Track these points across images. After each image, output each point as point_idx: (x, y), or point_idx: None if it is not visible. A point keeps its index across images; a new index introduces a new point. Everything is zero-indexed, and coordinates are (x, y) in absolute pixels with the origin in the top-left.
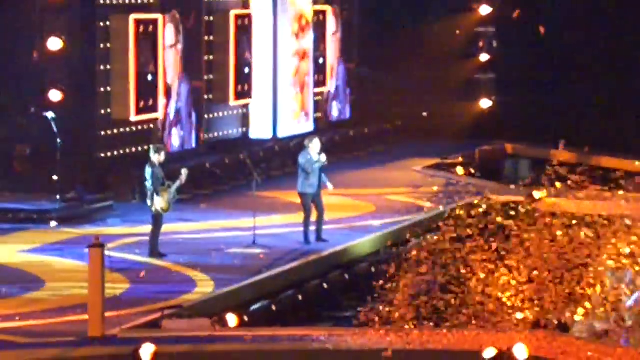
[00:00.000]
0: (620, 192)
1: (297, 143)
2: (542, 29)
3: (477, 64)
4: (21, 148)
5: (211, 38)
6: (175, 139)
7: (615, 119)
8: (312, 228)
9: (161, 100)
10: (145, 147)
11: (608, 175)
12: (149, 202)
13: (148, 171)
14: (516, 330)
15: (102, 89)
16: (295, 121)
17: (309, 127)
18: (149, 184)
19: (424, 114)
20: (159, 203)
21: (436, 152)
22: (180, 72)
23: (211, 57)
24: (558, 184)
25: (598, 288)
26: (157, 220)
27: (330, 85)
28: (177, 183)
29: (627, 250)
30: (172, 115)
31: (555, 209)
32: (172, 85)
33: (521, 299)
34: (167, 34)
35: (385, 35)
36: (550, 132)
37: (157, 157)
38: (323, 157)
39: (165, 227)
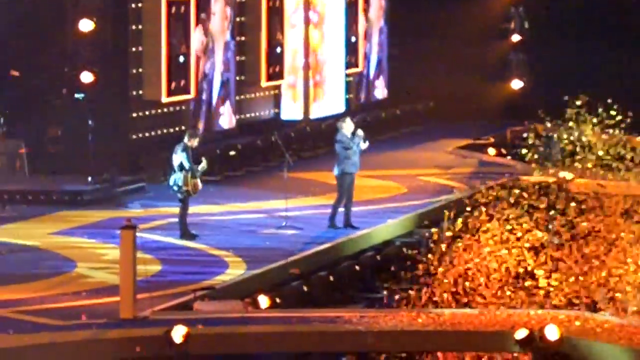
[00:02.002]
0: None
1: (329, 124)
2: None
3: (508, 45)
4: (53, 130)
5: (242, 19)
6: (210, 118)
7: None
8: (341, 209)
9: (193, 80)
10: (177, 129)
11: None
12: (179, 183)
13: (182, 155)
14: (548, 310)
15: (134, 71)
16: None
17: (341, 108)
18: (186, 165)
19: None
20: (190, 185)
21: (468, 132)
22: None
23: (242, 38)
24: (590, 165)
25: (631, 267)
26: (185, 202)
27: (362, 66)
28: (200, 168)
29: None
30: (204, 96)
31: (585, 190)
32: (217, 42)
33: (555, 279)
34: None
35: (416, 16)
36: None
37: (190, 142)
38: (360, 132)
39: (197, 209)
